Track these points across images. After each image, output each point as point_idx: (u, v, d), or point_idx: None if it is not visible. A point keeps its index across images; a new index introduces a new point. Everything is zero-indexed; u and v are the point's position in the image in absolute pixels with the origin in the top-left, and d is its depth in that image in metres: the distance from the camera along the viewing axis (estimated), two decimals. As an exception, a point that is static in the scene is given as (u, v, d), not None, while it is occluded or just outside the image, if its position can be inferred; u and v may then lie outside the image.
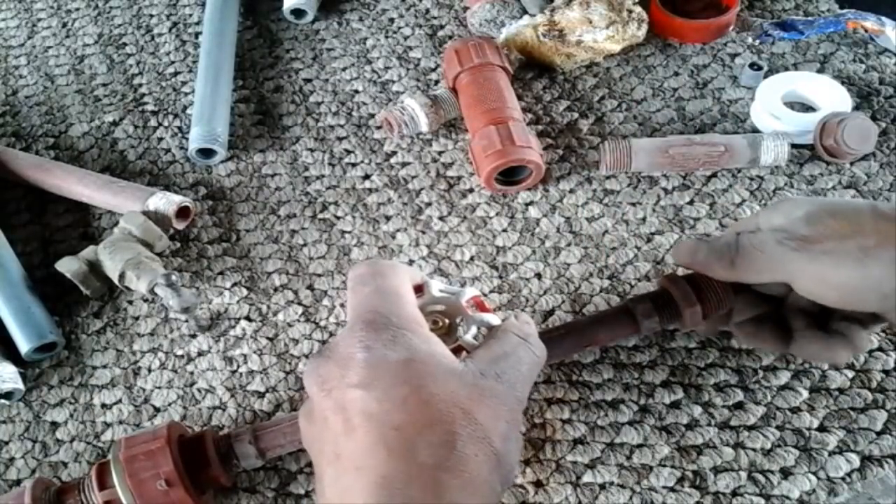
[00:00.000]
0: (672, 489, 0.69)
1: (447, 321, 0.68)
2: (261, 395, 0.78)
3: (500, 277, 0.84)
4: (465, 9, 1.08)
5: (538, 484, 0.71)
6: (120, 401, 0.79)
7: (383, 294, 0.63)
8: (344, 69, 1.05)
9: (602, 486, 0.70)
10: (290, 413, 0.74)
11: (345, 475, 0.55)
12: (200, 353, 0.82)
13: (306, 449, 0.63)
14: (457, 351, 0.64)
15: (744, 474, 0.70)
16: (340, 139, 0.97)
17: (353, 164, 0.95)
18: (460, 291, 0.70)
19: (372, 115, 0.99)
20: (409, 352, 0.58)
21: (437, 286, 0.70)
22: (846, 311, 0.68)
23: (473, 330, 0.67)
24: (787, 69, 0.98)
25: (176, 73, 1.07)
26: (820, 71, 0.97)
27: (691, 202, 0.87)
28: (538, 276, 0.84)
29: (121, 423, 0.78)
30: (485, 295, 0.82)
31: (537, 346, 0.65)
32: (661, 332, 0.76)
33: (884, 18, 0.99)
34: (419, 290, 0.69)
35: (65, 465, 0.76)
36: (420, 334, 0.60)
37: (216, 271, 0.87)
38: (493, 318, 0.68)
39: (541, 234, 0.86)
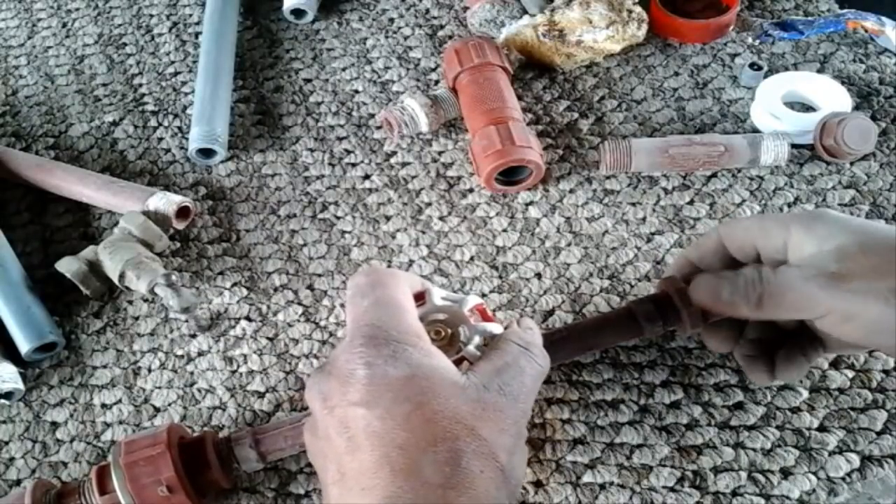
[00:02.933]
0: (672, 489, 0.69)
1: (449, 331, 0.67)
2: (261, 395, 0.78)
3: (500, 277, 0.84)
4: (465, 9, 1.08)
5: (538, 484, 0.71)
6: (120, 401, 0.79)
7: (383, 306, 0.62)
8: (344, 69, 1.05)
9: (602, 486, 0.70)
10: (291, 416, 0.74)
11: (350, 494, 0.55)
12: (200, 353, 0.82)
13: (311, 462, 0.63)
14: (459, 362, 0.63)
15: (744, 474, 0.70)
16: (340, 139, 0.97)
17: (353, 164, 0.95)
18: (462, 299, 0.69)
19: (372, 115, 0.99)
20: (411, 367, 0.58)
21: (438, 294, 0.69)
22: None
23: (476, 340, 0.66)
24: (787, 69, 0.98)
25: (176, 73, 1.07)
26: (820, 71, 0.97)
27: (691, 202, 0.87)
28: (538, 276, 0.84)
29: (121, 423, 0.78)
30: (484, 295, 0.82)
31: (540, 356, 0.65)
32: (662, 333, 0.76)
33: (884, 18, 0.99)
34: (420, 297, 0.68)
35: (65, 465, 0.76)
36: (421, 348, 0.60)
37: (216, 271, 0.87)
38: (497, 328, 0.67)
39: (541, 234, 0.86)
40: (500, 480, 0.57)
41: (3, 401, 0.79)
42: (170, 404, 0.78)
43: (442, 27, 1.09)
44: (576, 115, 0.96)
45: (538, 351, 0.65)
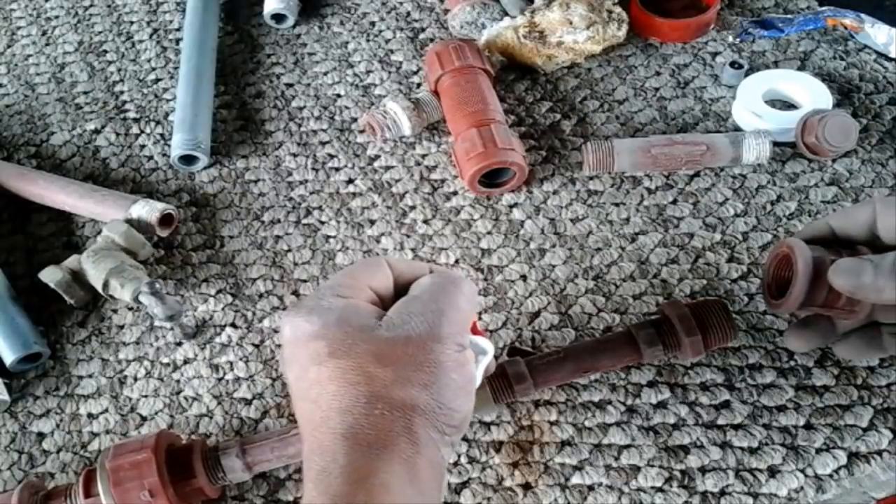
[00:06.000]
0: (660, 489, 0.70)
1: None
2: (248, 403, 0.78)
3: (486, 280, 0.84)
4: (446, 11, 1.08)
5: (527, 486, 0.71)
6: (106, 410, 0.79)
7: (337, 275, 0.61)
8: (325, 73, 1.05)
9: (590, 488, 0.70)
10: (280, 428, 0.74)
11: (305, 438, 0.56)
12: (186, 361, 0.81)
13: None
14: None
15: (731, 473, 0.70)
16: (323, 144, 0.97)
17: (337, 169, 0.95)
18: None
19: (354, 119, 0.99)
20: (322, 320, 0.56)
21: None
22: None
23: None
24: (767, 67, 0.98)
25: (157, 80, 1.07)
26: (800, 68, 0.98)
27: (674, 201, 0.88)
28: (523, 277, 0.84)
29: (107, 432, 0.77)
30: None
31: (454, 278, 0.61)
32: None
33: (862, 15, 0.99)
34: None
35: (52, 475, 0.75)
36: (337, 299, 0.58)
37: (200, 278, 0.87)
38: (487, 344, 0.63)
39: (525, 236, 0.87)
40: (412, 417, 0.54)
41: (-12, 412, 0.79)
42: (156, 413, 0.78)
43: (423, 30, 1.09)
44: (558, 116, 0.96)
45: (452, 276, 0.61)
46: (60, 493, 0.68)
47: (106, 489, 0.65)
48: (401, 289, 0.61)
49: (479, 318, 0.81)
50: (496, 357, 0.76)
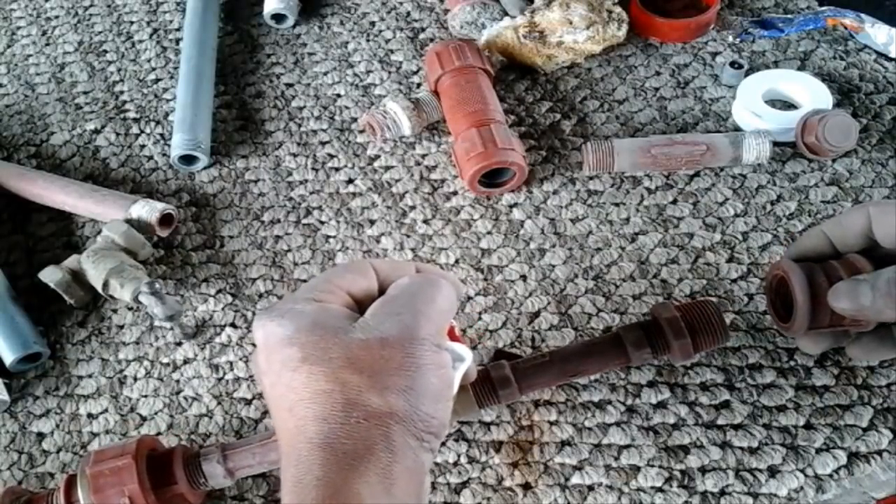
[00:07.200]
0: (660, 489, 0.70)
1: None
2: (248, 403, 0.78)
3: (486, 280, 0.84)
4: (446, 11, 1.08)
5: (526, 486, 0.71)
6: (106, 410, 0.79)
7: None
8: (325, 73, 1.05)
9: (590, 488, 0.70)
10: (262, 433, 0.73)
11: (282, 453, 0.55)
12: (186, 361, 0.81)
13: None
14: None
15: (731, 473, 0.70)
16: (323, 143, 0.97)
17: (337, 169, 0.95)
18: None
19: (354, 119, 0.99)
20: (294, 324, 0.55)
21: None
22: None
23: None
24: (767, 67, 0.98)
25: (157, 80, 1.07)
26: (800, 68, 0.98)
27: (674, 201, 0.88)
28: (523, 277, 0.84)
29: (107, 432, 0.77)
30: (469, 298, 0.82)
31: (436, 278, 0.60)
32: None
33: (863, 15, 0.99)
34: None
35: (52, 475, 0.75)
36: (310, 302, 0.57)
37: (200, 278, 0.87)
38: (464, 350, 0.61)
39: (525, 236, 0.87)
40: (389, 425, 0.53)
41: (-12, 412, 0.79)
42: (156, 413, 0.78)
43: (423, 30, 1.09)
44: (558, 116, 0.96)
45: (433, 276, 0.60)
46: (41, 498, 0.68)
47: (86, 495, 0.65)
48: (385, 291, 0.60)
49: (479, 319, 0.81)
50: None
